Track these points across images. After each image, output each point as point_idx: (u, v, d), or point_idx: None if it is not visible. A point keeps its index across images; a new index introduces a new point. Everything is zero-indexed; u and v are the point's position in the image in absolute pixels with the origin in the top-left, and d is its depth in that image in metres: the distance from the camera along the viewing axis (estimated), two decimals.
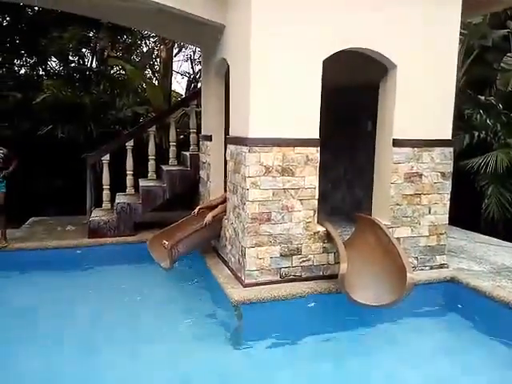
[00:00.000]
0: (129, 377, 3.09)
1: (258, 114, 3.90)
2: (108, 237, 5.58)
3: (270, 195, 3.98)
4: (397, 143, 4.28)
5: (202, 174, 5.95)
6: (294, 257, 4.09)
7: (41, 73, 11.08)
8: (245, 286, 3.95)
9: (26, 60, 10.92)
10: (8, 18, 10.21)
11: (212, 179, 5.47)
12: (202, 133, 6.00)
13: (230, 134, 4.57)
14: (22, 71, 11.01)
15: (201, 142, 6.07)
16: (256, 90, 3.87)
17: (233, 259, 4.41)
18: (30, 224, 6.37)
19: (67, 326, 3.78)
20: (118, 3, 4.94)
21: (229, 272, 4.44)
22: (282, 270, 4.07)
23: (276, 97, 3.91)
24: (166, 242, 4.39)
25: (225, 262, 4.70)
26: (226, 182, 5.15)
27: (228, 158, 4.61)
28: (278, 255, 4.04)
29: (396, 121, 4.25)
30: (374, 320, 3.86)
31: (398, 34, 4.14)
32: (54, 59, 10.84)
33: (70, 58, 10.62)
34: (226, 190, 5.07)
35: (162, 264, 4.56)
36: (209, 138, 5.51)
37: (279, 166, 3.98)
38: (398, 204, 4.34)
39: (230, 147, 4.50)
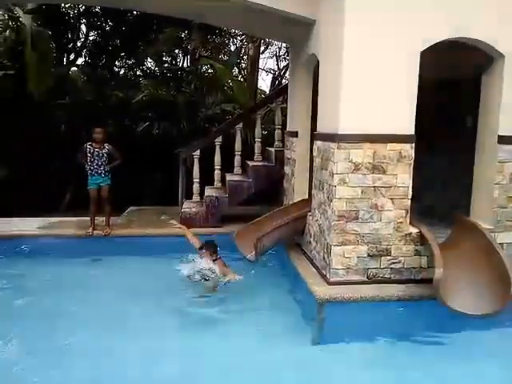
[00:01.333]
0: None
1: (348, 110, 3.82)
2: (198, 227, 5.88)
3: (359, 193, 3.87)
4: (503, 140, 3.91)
5: (287, 169, 5.99)
6: (382, 258, 3.94)
7: (138, 73, 12.02)
8: (330, 284, 3.91)
9: (125, 62, 11.92)
10: (110, 23, 11.22)
11: (297, 175, 5.49)
12: (288, 129, 6.03)
13: (318, 129, 4.54)
14: (122, 72, 12.04)
15: (286, 138, 6.11)
16: (347, 85, 3.79)
17: (317, 256, 4.39)
18: (129, 213, 6.96)
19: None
20: (211, 3, 5.12)
21: (313, 269, 4.42)
22: (370, 270, 3.95)
23: (368, 91, 3.79)
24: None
25: (309, 259, 4.69)
26: (310, 179, 5.14)
27: (315, 154, 4.58)
28: (366, 255, 3.93)
29: (502, 116, 3.88)
30: (469, 327, 3.58)
31: (508, 21, 3.78)
32: (150, 60, 11.68)
33: (164, 58, 11.38)
34: (310, 187, 5.07)
35: (247, 256, 4.70)
36: (295, 134, 5.52)
37: (369, 162, 3.85)
38: (502, 207, 3.97)
39: (318, 143, 4.47)
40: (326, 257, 4.07)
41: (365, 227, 3.90)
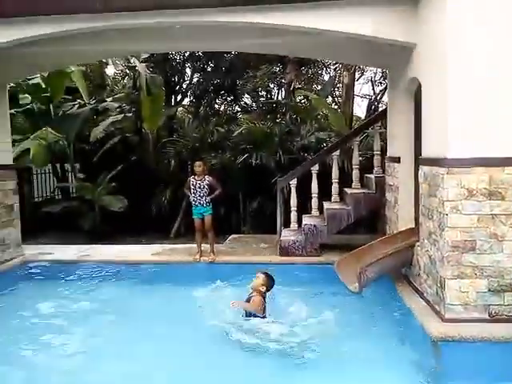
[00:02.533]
0: None
1: (457, 132, 3.58)
2: (296, 256, 5.91)
3: (475, 221, 3.56)
4: None
5: (389, 196, 5.76)
6: (506, 293, 3.53)
7: (237, 108, 12.79)
8: (445, 321, 3.59)
9: (225, 99, 12.78)
10: (211, 65, 12.19)
11: (400, 202, 5.24)
12: (388, 154, 5.85)
13: (423, 154, 4.33)
14: (222, 108, 12.92)
15: (386, 164, 5.92)
16: (456, 107, 3.58)
17: (429, 290, 4.09)
18: (231, 240, 7.28)
19: None
20: (307, 39, 5.29)
21: (424, 303, 4.12)
22: (491, 307, 3.55)
23: (480, 112, 3.54)
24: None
25: (418, 292, 4.39)
26: (416, 206, 4.88)
27: (421, 181, 4.35)
28: (486, 290, 3.55)
29: None
30: None
31: None
32: (247, 95, 12.37)
33: (260, 93, 11.96)
34: (416, 214, 4.81)
35: (350, 287, 4.55)
36: (396, 160, 5.33)
37: (485, 188, 3.54)
38: None
39: (424, 169, 4.25)
40: (439, 291, 3.77)
41: (484, 259, 3.55)
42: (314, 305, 4.67)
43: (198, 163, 6.20)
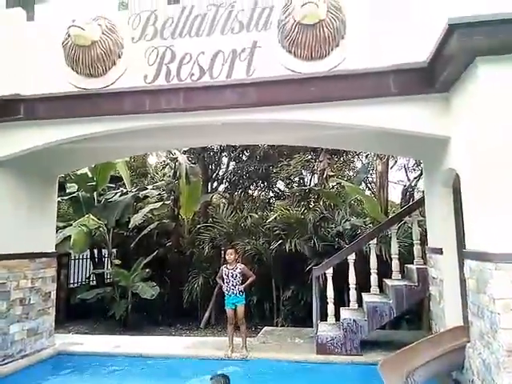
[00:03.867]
0: None
1: (503, 225, 3.44)
2: (335, 354, 5.51)
3: None
4: None
5: (433, 290, 5.43)
6: None
7: (270, 195, 13.04)
8: None
9: (258, 185, 13.14)
10: (246, 154, 12.77)
11: (446, 297, 4.91)
12: (429, 245, 5.64)
13: (467, 247, 4.13)
14: (256, 194, 13.22)
15: (428, 255, 5.67)
16: (499, 200, 3.49)
17: None
18: (263, 334, 6.93)
19: None
20: (340, 132, 5.49)
21: None
22: None
23: None
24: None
25: None
26: (464, 301, 4.55)
27: (467, 276, 4.10)
28: None
29: None
30: None
31: None
32: (280, 181, 12.67)
33: (293, 179, 12.24)
34: (464, 311, 4.46)
35: None
36: (438, 251, 5.10)
37: None
38: None
39: (469, 262, 4.02)
40: None
41: None
42: None
43: (229, 251, 6.18)
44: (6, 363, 5.39)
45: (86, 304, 9.33)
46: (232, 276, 5.99)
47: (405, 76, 4.38)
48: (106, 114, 5.01)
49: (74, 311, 9.54)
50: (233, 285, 5.98)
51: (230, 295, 5.99)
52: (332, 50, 4.63)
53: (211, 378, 4.02)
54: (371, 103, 4.52)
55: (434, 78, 4.22)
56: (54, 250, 6.59)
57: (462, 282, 4.57)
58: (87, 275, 11.24)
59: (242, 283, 6.01)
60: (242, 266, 6.15)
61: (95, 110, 5.02)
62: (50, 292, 6.34)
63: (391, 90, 4.40)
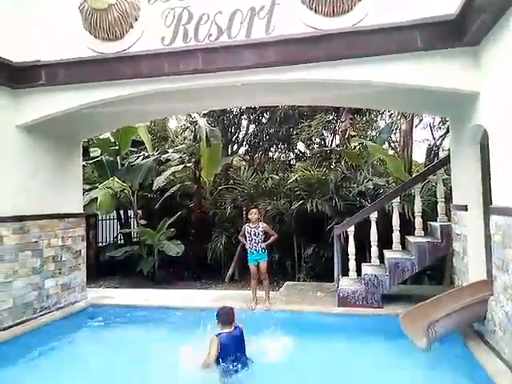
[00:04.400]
0: None
1: None
2: (356, 306, 5.64)
3: None
4: None
5: (457, 246, 5.43)
6: None
7: (291, 156, 12.99)
8: None
9: (279, 147, 13.07)
10: (266, 116, 12.63)
11: (470, 253, 4.92)
12: (454, 202, 5.59)
13: (494, 203, 4.08)
14: (276, 156, 13.18)
15: (452, 212, 5.64)
16: None
17: (506, 350, 3.71)
18: (285, 288, 7.14)
19: None
20: (363, 90, 5.35)
21: (502, 364, 3.73)
22: None
23: None
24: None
25: (494, 351, 3.99)
26: (488, 256, 4.55)
27: (493, 231, 4.07)
28: None
29: None
30: None
31: None
32: (301, 143, 12.57)
33: (314, 140, 12.11)
34: (489, 266, 4.47)
35: (417, 344, 4.23)
36: (463, 208, 5.06)
37: None
38: None
39: (496, 218, 3.99)
40: None
41: None
42: (376, 362, 4.39)
43: (253, 211, 6.27)
44: (42, 315, 5.76)
45: (115, 261, 9.75)
46: (255, 234, 6.12)
47: (432, 30, 4.21)
48: (124, 77, 5.02)
49: (103, 268, 9.99)
50: (255, 242, 6.12)
51: (253, 252, 6.14)
52: (354, 4, 4.47)
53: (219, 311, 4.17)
54: (396, 59, 4.38)
55: (462, 31, 4.05)
56: (81, 211, 6.85)
57: (487, 237, 4.56)
58: (115, 235, 11.66)
59: (264, 241, 6.14)
60: (265, 224, 6.27)
61: (114, 75, 5.04)
62: (80, 250, 6.64)
63: (418, 44, 4.26)
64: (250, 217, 6.25)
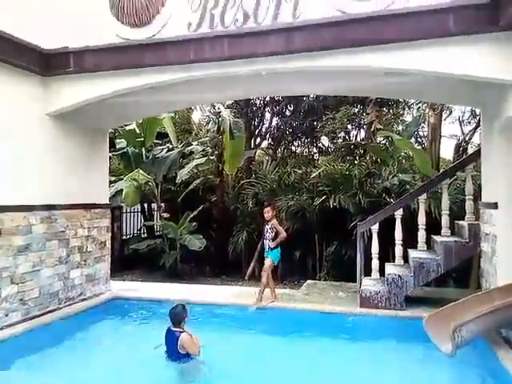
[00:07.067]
0: None
1: None
2: (379, 308, 5.51)
3: None
4: None
5: (485, 246, 5.21)
6: None
7: (314, 150, 12.79)
8: None
9: (302, 141, 12.89)
10: (290, 108, 12.47)
11: (499, 254, 4.70)
12: (483, 199, 5.35)
13: None
14: (299, 150, 13.01)
15: (481, 210, 5.41)
16: None
17: None
18: (306, 286, 7.06)
19: None
20: (393, 80, 5.14)
21: None
22: None
23: None
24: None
25: None
26: None
27: None
28: None
29: None
30: None
31: None
32: (324, 137, 12.35)
33: (338, 134, 11.86)
34: None
35: (442, 348, 4.07)
36: (493, 206, 4.84)
37: None
38: None
39: None
40: None
41: None
42: (398, 366, 4.25)
43: (265, 209, 6.20)
44: (68, 305, 5.87)
45: (138, 254, 9.89)
46: (265, 231, 6.14)
47: (466, 13, 3.99)
48: (150, 65, 4.99)
49: (127, 261, 10.16)
50: (265, 239, 6.16)
51: (264, 249, 6.18)
52: None
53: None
54: (428, 45, 4.18)
55: (499, 14, 3.80)
56: (107, 202, 6.92)
57: None
58: (138, 228, 11.82)
59: (274, 239, 6.03)
60: (274, 221, 6.14)
61: (140, 61, 5.01)
62: (105, 241, 6.73)
63: (451, 29, 4.03)
64: (264, 215, 6.19)
